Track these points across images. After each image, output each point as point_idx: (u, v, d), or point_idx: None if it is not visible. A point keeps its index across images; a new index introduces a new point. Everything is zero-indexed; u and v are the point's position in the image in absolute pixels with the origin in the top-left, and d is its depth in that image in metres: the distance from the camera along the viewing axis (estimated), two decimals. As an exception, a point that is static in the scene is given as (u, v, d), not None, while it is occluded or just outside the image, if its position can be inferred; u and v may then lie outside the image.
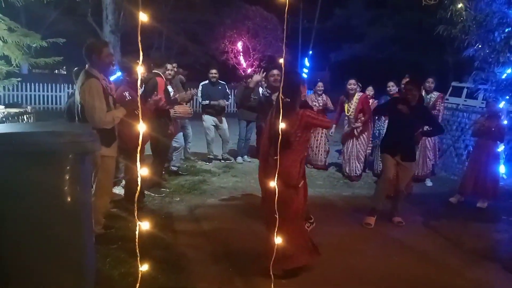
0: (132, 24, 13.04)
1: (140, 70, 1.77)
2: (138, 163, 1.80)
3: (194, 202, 5.54)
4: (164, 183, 6.00)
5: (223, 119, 7.92)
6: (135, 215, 1.87)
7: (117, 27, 13.13)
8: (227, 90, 8.16)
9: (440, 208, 5.91)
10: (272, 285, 2.40)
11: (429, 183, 7.18)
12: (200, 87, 7.86)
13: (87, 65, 3.84)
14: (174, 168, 6.74)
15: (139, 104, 1.88)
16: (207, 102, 7.72)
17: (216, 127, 7.88)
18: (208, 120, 7.81)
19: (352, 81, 7.12)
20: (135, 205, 1.83)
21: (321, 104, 7.56)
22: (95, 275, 3.15)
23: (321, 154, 7.70)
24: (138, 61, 5.23)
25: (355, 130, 7.11)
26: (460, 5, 7.20)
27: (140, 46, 1.70)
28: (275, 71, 4.83)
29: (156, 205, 5.31)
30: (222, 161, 8.00)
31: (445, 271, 3.90)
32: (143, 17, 1.69)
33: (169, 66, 6.01)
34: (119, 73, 5.46)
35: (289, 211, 3.44)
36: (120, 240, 3.91)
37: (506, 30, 7.29)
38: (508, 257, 4.31)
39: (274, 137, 3.15)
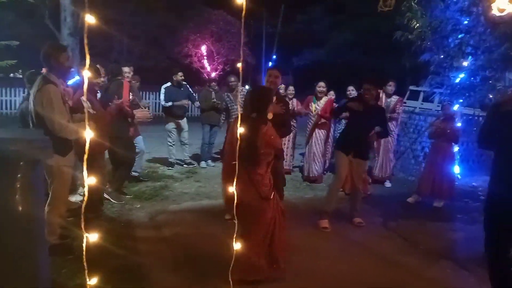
0: (91, 26, 12.68)
1: (86, 74, 1.71)
2: (85, 172, 1.73)
3: (155, 208, 5.43)
4: (124, 190, 5.85)
5: (185, 121, 7.87)
6: (82, 227, 1.80)
7: (76, 30, 12.74)
8: (190, 90, 8.09)
9: (398, 209, 6.07)
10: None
11: (388, 184, 7.37)
12: (163, 90, 7.76)
13: (44, 70, 3.71)
14: (135, 174, 6.59)
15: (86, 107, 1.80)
16: (170, 103, 7.63)
17: (178, 130, 7.80)
18: (170, 123, 7.73)
19: (322, 84, 7.28)
20: (82, 215, 1.75)
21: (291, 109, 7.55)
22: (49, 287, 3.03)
23: (287, 160, 7.71)
24: (97, 65, 5.07)
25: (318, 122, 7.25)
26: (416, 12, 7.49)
27: (86, 49, 1.64)
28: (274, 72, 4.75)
29: (116, 212, 5.16)
30: (185, 166, 7.90)
31: (404, 272, 3.99)
32: (90, 19, 1.64)
33: (126, 69, 5.88)
34: (77, 77, 5.31)
35: (261, 222, 3.45)
36: (77, 250, 3.77)
37: (459, 36, 7.62)
38: (463, 255, 4.47)
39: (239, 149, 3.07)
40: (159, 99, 7.71)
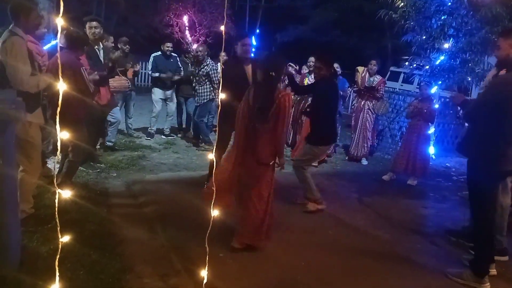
0: (68, -11, 12.12)
1: (60, 22, 1.62)
2: (58, 129, 1.66)
3: (132, 177, 5.37)
4: (99, 158, 5.74)
5: (173, 93, 7.78)
6: (55, 183, 1.75)
7: (52, -8, 12.23)
8: (179, 64, 7.84)
9: (373, 185, 6.18)
10: (207, 258, 2.37)
11: (364, 162, 7.47)
12: (152, 59, 7.64)
13: (11, 25, 3.55)
14: (110, 144, 6.45)
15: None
16: (157, 75, 7.50)
17: (165, 101, 7.70)
18: (158, 93, 7.61)
19: (312, 58, 7.31)
20: (54, 174, 1.70)
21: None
22: (20, 253, 2.98)
23: None
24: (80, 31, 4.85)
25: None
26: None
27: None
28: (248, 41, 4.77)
29: (91, 180, 5.07)
30: (163, 137, 7.81)
31: (376, 244, 4.09)
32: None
33: (94, 23, 5.33)
34: (54, 42, 5.08)
35: (257, 186, 3.57)
36: (52, 219, 3.68)
37: (443, 17, 7.63)
38: (432, 230, 4.61)
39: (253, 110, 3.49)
40: (143, 69, 7.59)
